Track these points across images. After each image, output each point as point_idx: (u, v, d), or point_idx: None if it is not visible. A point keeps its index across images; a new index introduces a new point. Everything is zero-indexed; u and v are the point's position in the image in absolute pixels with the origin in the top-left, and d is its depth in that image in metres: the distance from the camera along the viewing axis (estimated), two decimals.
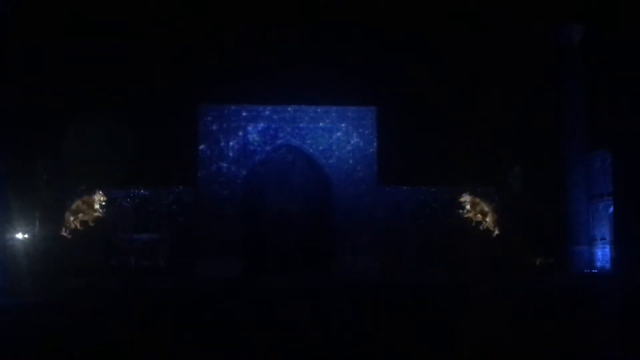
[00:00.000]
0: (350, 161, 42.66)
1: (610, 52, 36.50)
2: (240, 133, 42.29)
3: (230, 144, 42.16)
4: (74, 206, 40.92)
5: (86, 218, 40.92)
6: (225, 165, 42.03)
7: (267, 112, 42.63)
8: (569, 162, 41.46)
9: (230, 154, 42.12)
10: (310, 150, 42.77)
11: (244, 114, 42.54)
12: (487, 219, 42.37)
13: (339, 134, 42.75)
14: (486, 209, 42.51)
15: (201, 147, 42.07)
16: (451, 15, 44.85)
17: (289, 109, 42.87)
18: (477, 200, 42.48)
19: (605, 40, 37.71)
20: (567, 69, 41.56)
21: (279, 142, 42.64)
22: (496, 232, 42.10)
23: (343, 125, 42.85)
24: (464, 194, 42.32)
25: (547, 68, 42.91)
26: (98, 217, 40.93)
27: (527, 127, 44.27)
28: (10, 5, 29.17)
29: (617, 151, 37.30)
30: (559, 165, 42.11)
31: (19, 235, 37.37)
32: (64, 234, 40.05)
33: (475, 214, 42.22)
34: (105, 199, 41.02)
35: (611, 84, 36.89)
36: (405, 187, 44.63)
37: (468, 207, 41.97)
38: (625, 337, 15.00)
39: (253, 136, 42.38)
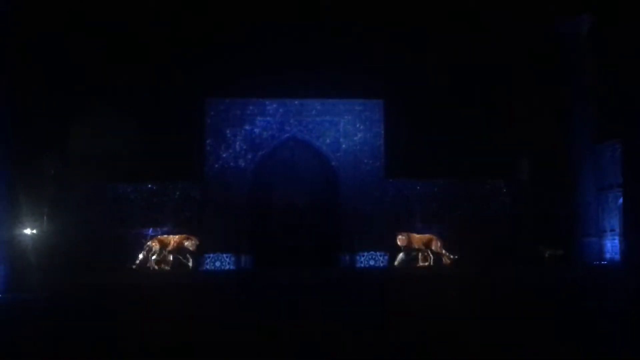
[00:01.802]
0: (357, 154, 42.53)
1: (619, 42, 36.15)
2: (247, 127, 42.21)
3: (237, 137, 42.09)
4: (149, 245, 40.14)
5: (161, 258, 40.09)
6: (232, 159, 41.96)
7: (274, 106, 42.53)
8: (578, 153, 41.18)
9: (237, 148, 42.05)
10: (317, 144, 42.68)
11: (251, 107, 42.44)
12: (432, 248, 41.45)
13: (345, 126, 42.60)
14: (425, 239, 41.58)
15: (208, 141, 42.02)
16: (458, 7, 44.52)
17: (296, 102, 42.76)
18: (414, 235, 41.53)
19: (615, 29, 37.33)
20: (575, 59, 41.23)
21: (285, 135, 42.56)
22: (446, 260, 41.18)
23: (350, 118, 42.71)
24: (398, 234, 41.14)
25: (556, 58, 42.57)
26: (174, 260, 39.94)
27: (536, 119, 43.94)
28: (11, 4, 29.13)
29: (627, 142, 36.96)
30: (567, 156, 41.84)
31: (27, 231, 37.43)
32: (134, 267, 39.47)
33: (413, 247, 41.25)
34: (195, 242, 39.88)
35: (620, 73, 36.53)
36: (413, 180, 44.49)
37: (402, 243, 41.03)
38: (636, 329, 14.86)
39: (260, 130, 42.31)
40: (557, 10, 40.90)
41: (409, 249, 41.16)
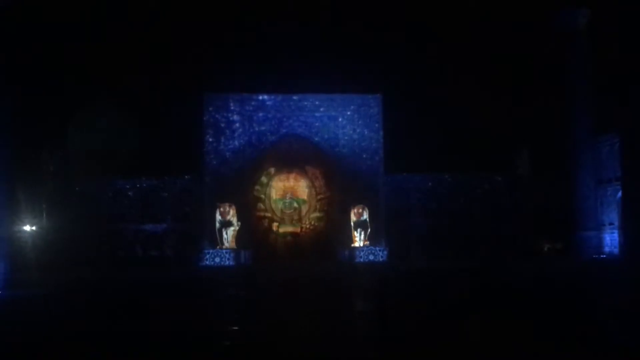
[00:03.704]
0: (356, 149, 42.49)
1: (617, 35, 36.12)
2: (246, 122, 42.15)
3: (236, 132, 42.06)
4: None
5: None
6: (230, 154, 41.92)
7: (272, 101, 42.47)
8: (577, 146, 41.15)
9: (236, 143, 42.00)
10: (316, 139, 42.61)
11: (249, 102, 42.38)
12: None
13: (344, 121, 42.56)
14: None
15: (206, 136, 41.97)
16: (458, 1, 44.46)
17: (294, 97, 42.69)
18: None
19: (612, 23, 37.29)
20: (574, 52, 41.17)
21: (284, 130, 42.48)
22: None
23: (348, 113, 42.65)
24: (353, 208, 41.42)
25: (554, 52, 42.53)
26: None
27: (535, 112, 43.95)
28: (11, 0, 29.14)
29: (625, 135, 36.96)
30: (566, 149, 41.83)
31: (26, 227, 37.46)
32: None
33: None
34: None
35: (619, 67, 36.52)
36: (412, 175, 44.52)
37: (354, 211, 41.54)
38: (634, 323, 14.90)
39: (258, 125, 42.24)
40: (555, 4, 40.82)
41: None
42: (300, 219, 44.77)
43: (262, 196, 44.77)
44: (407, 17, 45.26)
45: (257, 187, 44.51)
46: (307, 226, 44.79)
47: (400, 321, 15.30)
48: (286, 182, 45.04)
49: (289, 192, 44.88)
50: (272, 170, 44.57)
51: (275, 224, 44.60)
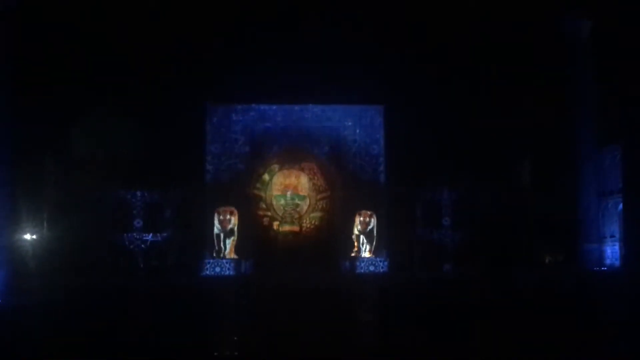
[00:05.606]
0: (358, 160, 42.49)
1: (620, 47, 36.25)
2: (247, 132, 42.19)
3: (237, 143, 42.08)
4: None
5: None
6: (232, 164, 41.91)
7: (274, 112, 42.52)
8: (579, 158, 41.11)
9: (238, 153, 42.00)
10: (317, 150, 42.64)
11: (251, 113, 42.46)
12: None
13: (345, 132, 42.57)
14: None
15: (209, 146, 41.99)
16: (459, 9, 44.55)
17: (296, 108, 42.74)
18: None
19: (615, 34, 37.43)
20: (576, 64, 41.23)
21: (285, 141, 42.51)
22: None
23: (350, 124, 42.66)
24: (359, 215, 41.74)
25: (557, 63, 42.60)
26: None
27: (537, 123, 43.91)
28: (16, 1, 29.29)
29: (627, 146, 37.00)
30: (568, 161, 41.79)
31: (27, 236, 37.46)
32: None
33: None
34: None
35: (621, 78, 36.60)
36: (413, 186, 44.43)
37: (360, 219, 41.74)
38: (635, 335, 14.85)
39: (260, 136, 42.28)
40: (558, 14, 40.95)
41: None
42: (300, 217, 44.61)
43: (263, 194, 44.59)
44: (409, 27, 45.36)
45: (258, 185, 44.37)
46: (308, 225, 44.65)
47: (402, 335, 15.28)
48: (287, 179, 44.84)
49: (289, 188, 44.70)
50: (276, 167, 44.42)
51: (276, 223, 44.49)
